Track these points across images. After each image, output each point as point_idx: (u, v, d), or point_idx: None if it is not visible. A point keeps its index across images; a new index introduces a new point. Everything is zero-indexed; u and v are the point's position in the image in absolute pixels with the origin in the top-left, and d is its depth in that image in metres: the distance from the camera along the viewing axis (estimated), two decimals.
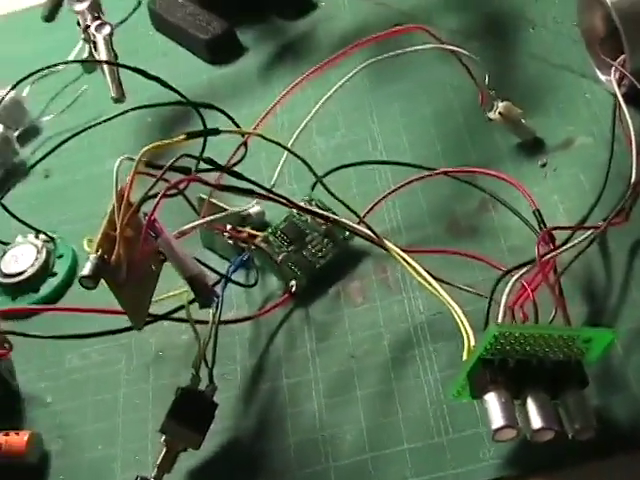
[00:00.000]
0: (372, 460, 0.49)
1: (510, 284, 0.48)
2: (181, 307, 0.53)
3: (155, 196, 0.48)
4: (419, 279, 0.51)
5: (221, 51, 0.75)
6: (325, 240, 0.58)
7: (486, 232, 0.57)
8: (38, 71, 0.61)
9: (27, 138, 0.74)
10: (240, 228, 0.58)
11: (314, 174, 0.55)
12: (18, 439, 0.53)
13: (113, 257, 0.46)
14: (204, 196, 0.58)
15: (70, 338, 0.55)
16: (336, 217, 0.55)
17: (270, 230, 0.58)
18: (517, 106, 0.61)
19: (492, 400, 0.44)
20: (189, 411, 0.50)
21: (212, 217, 0.54)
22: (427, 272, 0.51)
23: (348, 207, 0.55)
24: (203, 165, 0.51)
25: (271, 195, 0.52)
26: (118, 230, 0.46)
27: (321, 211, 0.57)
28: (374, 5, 0.76)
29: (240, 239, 0.57)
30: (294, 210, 0.59)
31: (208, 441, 0.51)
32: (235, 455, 0.52)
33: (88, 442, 0.54)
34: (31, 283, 0.63)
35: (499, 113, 0.60)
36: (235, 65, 0.75)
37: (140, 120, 0.72)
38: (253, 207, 0.60)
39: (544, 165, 0.60)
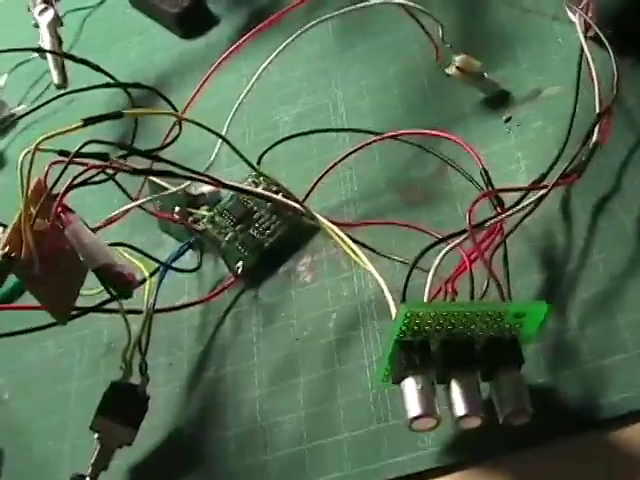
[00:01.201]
0: (309, 451, 0.46)
1: (442, 254, 0.44)
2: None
3: (79, 185, 0.46)
4: (351, 255, 0.48)
5: (191, 24, 0.72)
6: (274, 217, 0.55)
7: (442, 198, 0.54)
8: None
9: (4, 129, 0.73)
10: (191, 210, 0.56)
11: (248, 164, 0.52)
12: None
13: (22, 251, 0.44)
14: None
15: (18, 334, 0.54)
16: (273, 196, 0.52)
17: (216, 210, 0.55)
18: (482, 58, 0.56)
19: (408, 387, 0.41)
20: (120, 406, 0.48)
21: (143, 200, 0.52)
22: (358, 244, 0.47)
23: (285, 190, 0.53)
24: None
25: (201, 177, 0.49)
26: (23, 219, 0.44)
27: (264, 189, 0.54)
28: None
29: (186, 223, 0.55)
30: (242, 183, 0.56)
31: (147, 436, 0.49)
32: (174, 449, 0.49)
33: (39, 438, 0.53)
34: None
35: (456, 68, 0.56)
36: (206, 37, 0.72)
37: (110, 103, 0.69)
38: (205, 186, 0.58)
39: (508, 120, 0.55)
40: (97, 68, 0.52)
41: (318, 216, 0.49)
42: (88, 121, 0.45)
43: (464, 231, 0.45)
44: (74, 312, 0.49)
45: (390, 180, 0.56)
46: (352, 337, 0.50)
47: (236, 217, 0.55)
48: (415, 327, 0.41)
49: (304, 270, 0.54)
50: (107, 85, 0.52)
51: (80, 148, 0.45)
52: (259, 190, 0.53)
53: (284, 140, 0.57)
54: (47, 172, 0.46)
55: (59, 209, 0.45)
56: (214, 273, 0.56)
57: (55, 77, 0.60)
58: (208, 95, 0.59)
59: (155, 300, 0.51)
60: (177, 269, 0.53)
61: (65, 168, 0.45)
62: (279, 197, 0.51)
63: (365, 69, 0.63)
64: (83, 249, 0.45)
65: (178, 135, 0.52)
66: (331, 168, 0.55)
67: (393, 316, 0.43)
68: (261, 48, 0.59)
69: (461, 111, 0.57)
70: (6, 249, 0.44)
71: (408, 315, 0.40)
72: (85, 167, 0.46)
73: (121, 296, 0.47)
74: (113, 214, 0.51)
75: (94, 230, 0.48)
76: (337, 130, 0.58)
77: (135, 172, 0.48)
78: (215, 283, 0.55)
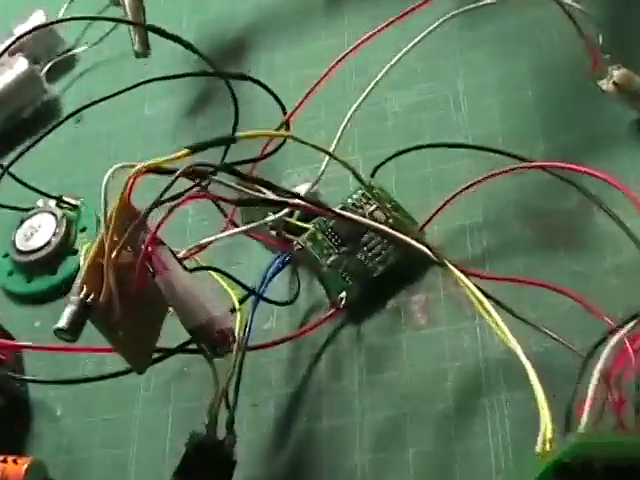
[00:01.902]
0: None
1: (607, 351, 0.37)
2: None
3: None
4: (479, 307, 0.40)
5: None
6: (386, 240, 0.47)
7: (585, 241, 0.46)
8: None
9: (57, 73, 0.64)
10: (285, 218, 0.48)
11: (360, 181, 0.44)
12: (16, 469, 0.45)
13: (102, 293, 0.37)
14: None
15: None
16: (385, 228, 0.44)
17: (317, 225, 0.47)
18: None
19: None
20: (201, 470, 0.41)
21: (248, 226, 0.44)
22: (490, 298, 0.39)
23: (407, 215, 0.45)
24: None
25: (308, 204, 0.41)
26: (106, 254, 0.36)
27: (374, 205, 0.46)
28: None
29: (279, 240, 0.47)
30: (349, 200, 0.48)
31: None
32: None
33: (95, 472, 0.47)
34: (48, 262, 0.54)
35: (614, 83, 0.47)
36: None
37: (183, 62, 0.60)
38: (303, 185, 0.50)
39: None
40: (192, 48, 0.43)
41: (449, 265, 0.41)
42: (196, 148, 0.36)
43: (635, 316, 0.38)
44: (155, 355, 0.42)
45: (521, 209, 0.48)
46: (474, 406, 0.43)
47: (341, 237, 0.47)
48: (579, 451, 0.34)
49: (417, 310, 0.46)
50: (206, 74, 0.43)
51: (180, 175, 0.37)
52: (374, 223, 0.44)
53: (401, 153, 0.48)
54: (131, 186, 0.37)
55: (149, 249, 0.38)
56: (309, 298, 0.48)
57: (136, 44, 0.51)
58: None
59: (247, 338, 0.43)
60: (269, 300, 0.46)
61: (167, 189, 0.37)
62: (395, 233, 0.43)
63: (494, 58, 0.54)
64: (178, 303, 0.38)
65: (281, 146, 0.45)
66: (455, 197, 0.47)
67: (543, 419, 0.36)
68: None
69: (613, 135, 0.48)
70: (82, 293, 0.36)
71: (576, 446, 0.33)
72: (183, 196, 0.38)
73: (216, 356, 0.39)
74: (208, 240, 0.43)
75: (185, 260, 0.41)
76: (462, 146, 0.49)
77: (240, 203, 0.40)
78: (309, 311, 0.48)
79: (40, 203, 0.56)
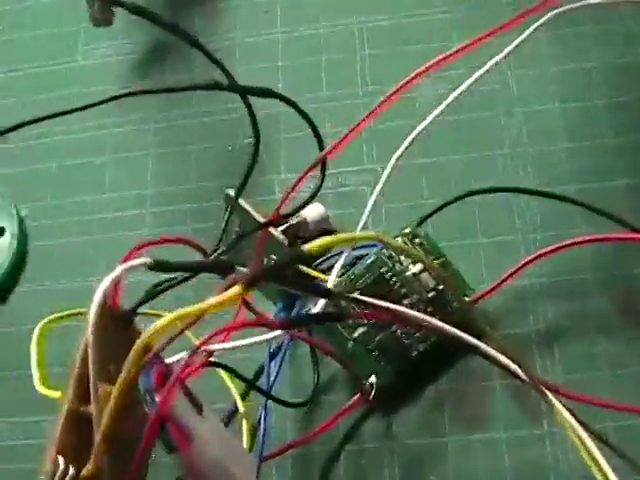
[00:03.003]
0: None
1: None
2: None
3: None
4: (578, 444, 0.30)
5: None
6: (429, 309, 0.36)
7: None
8: None
9: None
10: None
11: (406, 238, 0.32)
12: None
13: (88, 468, 0.24)
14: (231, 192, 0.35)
15: None
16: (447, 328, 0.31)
17: (343, 278, 0.36)
18: None
19: None
20: None
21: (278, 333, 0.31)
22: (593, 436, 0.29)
23: (458, 275, 0.34)
24: None
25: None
26: (102, 426, 0.24)
27: (420, 266, 0.35)
28: None
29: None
30: (384, 251, 0.36)
31: None
32: None
33: None
34: None
35: None
36: None
37: None
38: (309, 208, 0.38)
39: None
40: (197, 44, 0.29)
41: (524, 377, 0.30)
42: (250, 284, 0.23)
43: None
44: None
45: (599, 274, 0.37)
46: None
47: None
48: None
49: (465, 404, 0.36)
50: (214, 87, 0.29)
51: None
52: (435, 321, 0.32)
53: (456, 200, 0.37)
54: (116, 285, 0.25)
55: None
56: (321, 370, 0.37)
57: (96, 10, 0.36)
58: None
59: (261, 453, 0.32)
60: (282, 402, 0.34)
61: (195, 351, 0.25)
62: (455, 331, 0.31)
63: (558, 57, 0.42)
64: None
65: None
66: (520, 269, 0.36)
67: None
68: None
69: None
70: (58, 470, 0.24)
71: None
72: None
73: None
74: (213, 348, 0.30)
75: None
76: (528, 192, 0.38)
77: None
78: (322, 390, 0.37)
79: None
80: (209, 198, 0.41)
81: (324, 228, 0.39)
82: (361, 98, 0.42)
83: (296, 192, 0.33)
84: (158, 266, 0.26)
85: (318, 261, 0.37)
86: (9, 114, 0.45)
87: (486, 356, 0.30)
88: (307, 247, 0.25)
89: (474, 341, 0.30)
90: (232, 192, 0.36)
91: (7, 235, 0.41)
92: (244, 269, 0.27)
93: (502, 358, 0.30)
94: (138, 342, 0.23)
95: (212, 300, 0.23)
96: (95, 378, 0.25)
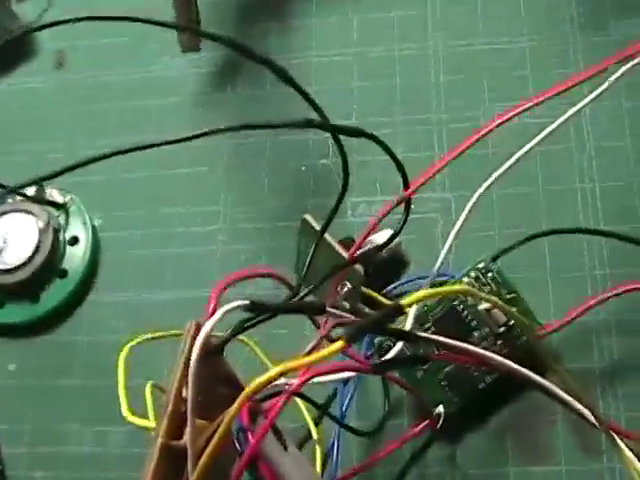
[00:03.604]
0: None
1: None
2: None
3: None
4: None
5: None
6: (498, 342, 0.37)
7: None
8: None
9: None
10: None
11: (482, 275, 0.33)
12: None
13: None
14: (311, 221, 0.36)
15: None
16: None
17: (415, 311, 0.36)
18: None
19: None
20: None
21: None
22: None
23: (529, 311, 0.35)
24: None
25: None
26: None
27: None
28: None
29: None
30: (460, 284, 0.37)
31: None
32: None
33: None
34: (28, 288, 0.41)
35: None
36: None
37: None
38: (381, 235, 0.38)
39: None
40: (292, 82, 0.29)
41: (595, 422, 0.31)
42: (351, 338, 0.24)
43: None
44: None
45: None
46: None
47: (446, 333, 0.36)
48: None
49: (528, 436, 0.36)
50: (306, 124, 0.30)
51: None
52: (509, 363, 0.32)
53: (539, 237, 0.37)
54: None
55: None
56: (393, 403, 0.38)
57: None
58: None
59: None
60: (353, 430, 0.35)
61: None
62: (525, 371, 0.31)
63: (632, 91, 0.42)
64: None
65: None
66: (590, 307, 0.36)
67: None
68: None
69: None
70: None
71: None
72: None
73: None
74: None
75: None
76: (605, 234, 0.38)
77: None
78: (385, 413, 0.37)
79: (10, 200, 0.43)
80: (283, 217, 0.42)
81: (395, 254, 0.40)
82: (435, 125, 0.43)
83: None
84: (256, 308, 0.27)
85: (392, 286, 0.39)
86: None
87: (552, 394, 0.31)
88: (405, 301, 0.26)
89: (541, 380, 0.31)
90: (309, 217, 0.37)
91: (81, 244, 0.42)
92: (336, 311, 0.28)
93: (567, 397, 0.31)
94: (243, 395, 0.24)
95: (318, 355, 0.24)
96: (193, 416, 0.26)
